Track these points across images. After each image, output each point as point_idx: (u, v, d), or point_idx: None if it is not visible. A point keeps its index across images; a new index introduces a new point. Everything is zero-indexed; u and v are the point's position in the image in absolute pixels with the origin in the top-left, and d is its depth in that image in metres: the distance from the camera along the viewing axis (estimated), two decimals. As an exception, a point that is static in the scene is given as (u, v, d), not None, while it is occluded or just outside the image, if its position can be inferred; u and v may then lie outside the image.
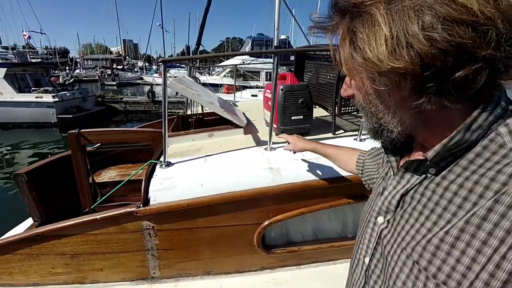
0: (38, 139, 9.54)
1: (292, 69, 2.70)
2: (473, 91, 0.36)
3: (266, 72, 13.60)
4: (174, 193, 1.27)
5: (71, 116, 10.62)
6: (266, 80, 13.16)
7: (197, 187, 1.28)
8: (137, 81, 31.17)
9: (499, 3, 0.32)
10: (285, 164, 1.36)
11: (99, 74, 28.80)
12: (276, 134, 1.64)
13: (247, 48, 16.04)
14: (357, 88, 0.47)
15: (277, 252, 1.45)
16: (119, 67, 36.37)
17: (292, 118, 1.66)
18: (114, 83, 27.14)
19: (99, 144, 2.54)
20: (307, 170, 1.32)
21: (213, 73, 16.44)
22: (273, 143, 1.52)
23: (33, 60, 13.67)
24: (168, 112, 1.36)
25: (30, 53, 13.78)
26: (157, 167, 1.41)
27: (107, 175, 2.74)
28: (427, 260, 0.40)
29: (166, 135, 1.37)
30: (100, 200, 1.80)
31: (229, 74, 17.33)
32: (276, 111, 1.60)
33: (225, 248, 1.40)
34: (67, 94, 11.09)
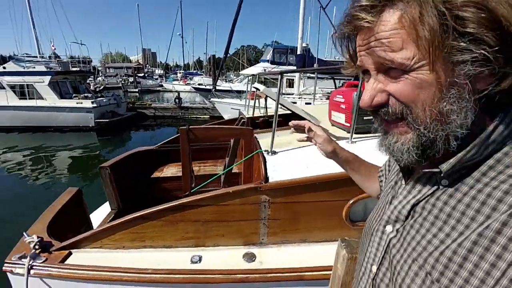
0: (77, 143, 10.10)
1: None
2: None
3: (286, 79, 14.04)
4: (286, 173, 1.65)
5: (107, 120, 11.38)
6: (287, 87, 13.57)
7: (304, 169, 1.65)
8: (157, 88, 32.52)
9: None
10: (368, 155, 1.73)
11: (122, 82, 30.22)
12: (348, 132, 2.02)
13: (268, 56, 16.71)
14: (427, 85, 0.38)
15: (359, 225, 1.80)
16: (140, 75, 37.97)
17: (364, 118, 2.03)
18: (136, 90, 28.40)
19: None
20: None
21: (234, 80, 17.12)
22: (353, 137, 1.89)
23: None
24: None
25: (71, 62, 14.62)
26: (265, 154, 1.81)
27: (169, 170, 3.18)
28: (440, 271, 0.39)
29: (275, 130, 1.77)
30: (200, 186, 2.21)
31: (250, 82, 17.91)
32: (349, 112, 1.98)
33: (320, 220, 1.76)
34: (104, 100, 11.89)
